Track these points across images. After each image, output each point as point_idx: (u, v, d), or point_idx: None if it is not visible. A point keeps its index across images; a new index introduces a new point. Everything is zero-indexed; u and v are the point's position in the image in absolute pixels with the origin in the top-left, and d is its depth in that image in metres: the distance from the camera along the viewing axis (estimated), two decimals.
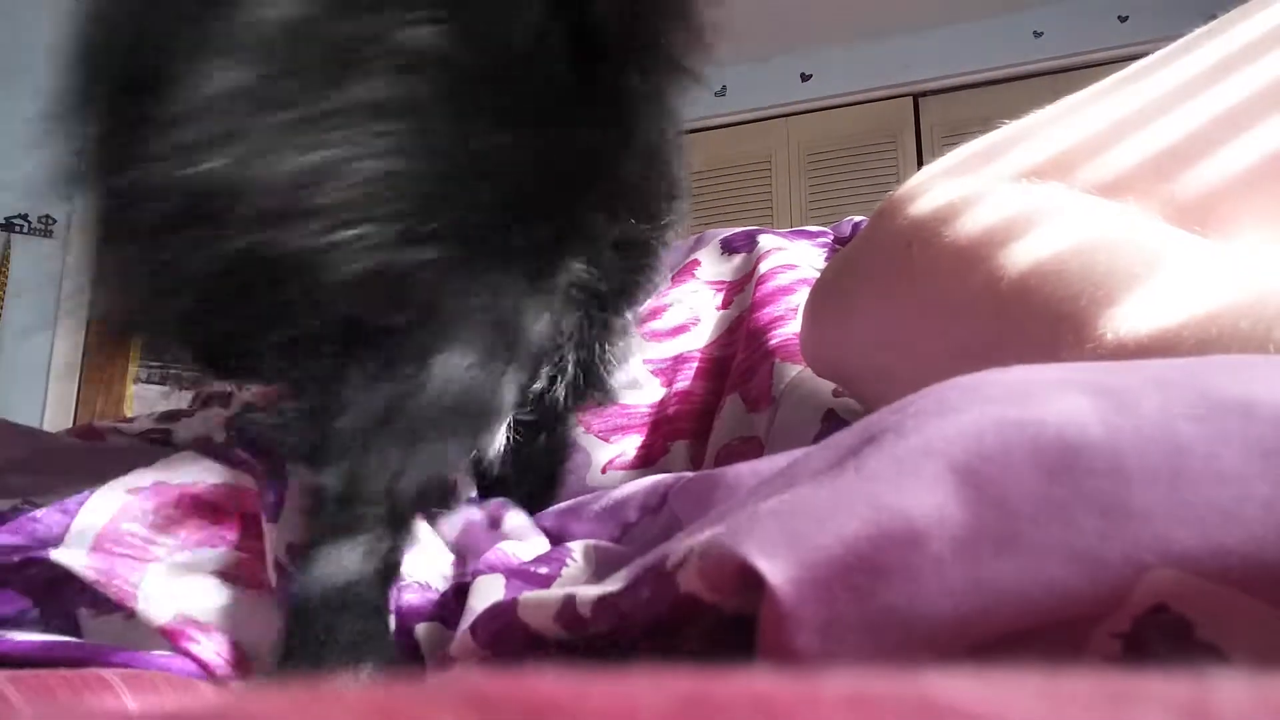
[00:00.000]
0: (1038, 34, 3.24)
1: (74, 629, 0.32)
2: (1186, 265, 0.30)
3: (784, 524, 0.16)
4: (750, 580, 0.16)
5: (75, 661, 0.28)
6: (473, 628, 0.25)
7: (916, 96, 3.40)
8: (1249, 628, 0.14)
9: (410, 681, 0.24)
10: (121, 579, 0.32)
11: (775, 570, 0.15)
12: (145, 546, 0.33)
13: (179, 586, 0.32)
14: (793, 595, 0.15)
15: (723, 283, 0.75)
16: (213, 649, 0.31)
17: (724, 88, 3.61)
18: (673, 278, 0.77)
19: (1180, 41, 0.38)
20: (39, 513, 0.33)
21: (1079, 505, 0.15)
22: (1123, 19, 3.13)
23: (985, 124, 0.41)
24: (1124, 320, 0.29)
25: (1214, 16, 0.37)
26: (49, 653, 0.28)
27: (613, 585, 0.20)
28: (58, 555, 0.32)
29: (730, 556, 0.16)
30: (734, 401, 0.58)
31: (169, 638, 0.31)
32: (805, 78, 3.53)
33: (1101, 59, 3.02)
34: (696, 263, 0.79)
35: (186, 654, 0.30)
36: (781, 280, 0.69)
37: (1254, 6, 0.37)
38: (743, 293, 0.71)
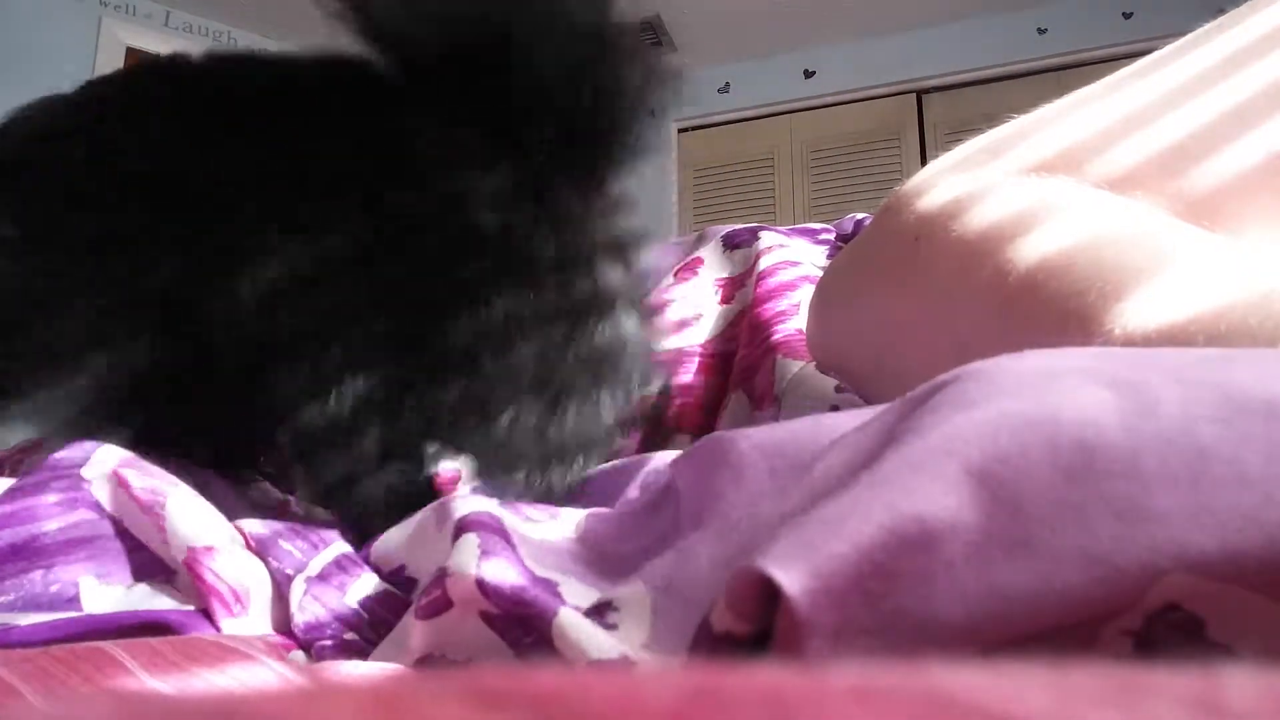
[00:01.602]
0: (1042, 31, 3.23)
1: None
2: (1195, 261, 0.30)
3: (800, 534, 0.16)
4: (770, 596, 0.15)
5: (82, 637, 0.28)
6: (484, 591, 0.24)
7: (920, 93, 3.39)
8: (1261, 627, 0.14)
9: (416, 676, 0.24)
10: (152, 477, 0.33)
11: (791, 579, 0.15)
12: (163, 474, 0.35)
13: (199, 517, 0.33)
14: (807, 603, 0.15)
15: (724, 278, 0.75)
16: (227, 581, 0.31)
17: (727, 84, 3.60)
18: (675, 274, 0.77)
19: (1189, 36, 0.38)
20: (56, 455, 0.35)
21: (1095, 509, 0.15)
22: (1127, 15, 3.13)
23: (989, 121, 0.41)
24: (1132, 315, 0.28)
25: (1220, 11, 0.37)
26: (55, 633, 0.29)
27: (649, 641, 0.20)
28: (88, 470, 0.34)
29: (749, 572, 0.16)
30: (739, 398, 0.58)
31: (190, 564, 0.32)
32: (809, 74, 3.52)
33: (1106, 55, 3.01)
34: (699, 260, 0.79)
35: (202, 582, 0.31)
36: (784, 276, 0.69)
37: (1263, 1, 0.37)
38: (744, 288, 0.72)
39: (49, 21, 3.00)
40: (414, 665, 0.26)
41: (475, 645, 0.25)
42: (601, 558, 0.30)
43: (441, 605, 0.25)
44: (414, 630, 0.26)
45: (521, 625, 0.24)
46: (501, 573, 0.24)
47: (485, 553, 0.25)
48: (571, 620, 0.22)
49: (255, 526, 0.34)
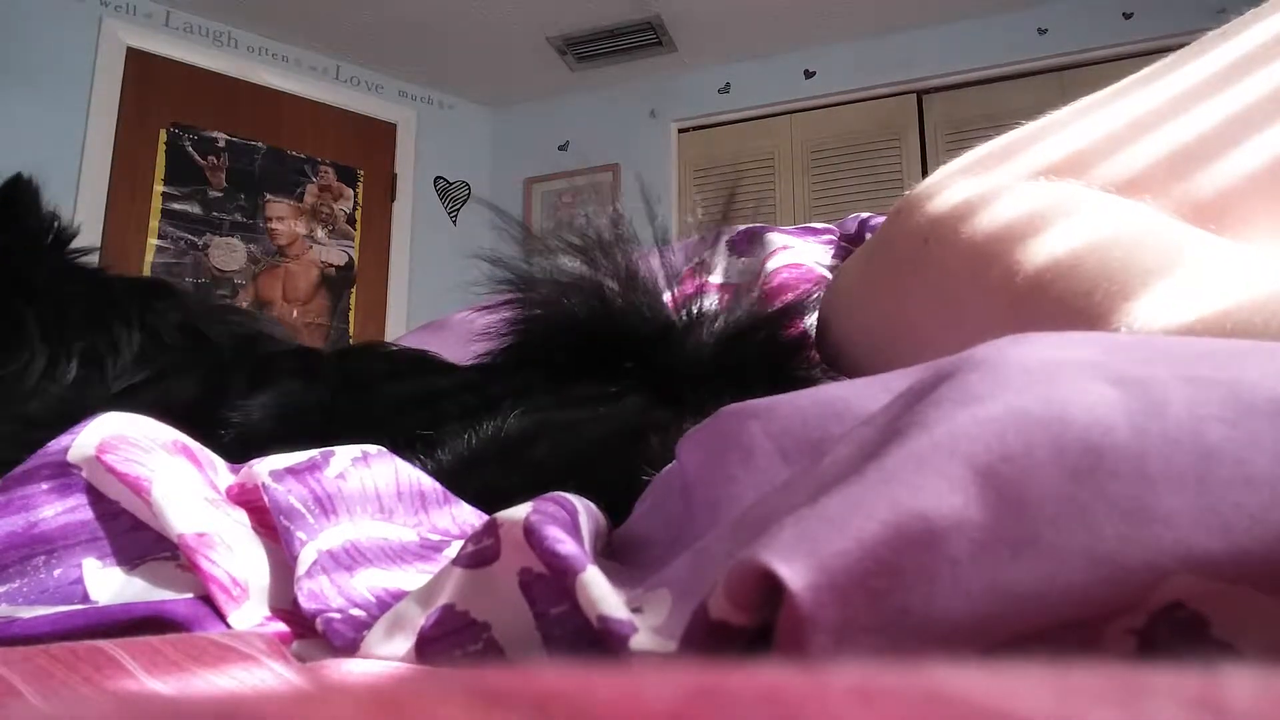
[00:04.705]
0: (1042, 31, 3.23)
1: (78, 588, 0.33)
2: (1202, 262, 0.30)
3: (803, 528, 0.16)
4: (772, 590, 0.15)
5: (86, 632, 0.28)
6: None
7: (920, 93, 3.39)
8: (1265, 626, 0.14)
9: (418, 675, 0.24)
10: (135, 462, 0.33)
11: (794, 575, 0.15)
12: (149, 451, 0.35)
13: (187, 503, 0.33)
14: (810, 600, 0.15)
15: (729, 285, 0.75)
16: (224, 568, 0.31)
17: (728, 85, 3.60)
18: (681, 280, 0.77)
19: (1195, 43, 0.38)
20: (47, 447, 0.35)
21: (1101, 508, 0.15)
22: (1127, 16, 3.12)
23: (989, 121, 0.41)
24: (1139, 315, 0.29)
25: (1220, 12, 0.37)
26: (57, 626, 0.29)
27: (661, 626, 0.20)
28: (74, 454, 0.34)
29: (751, 564, 0.16)
30: None
31: (185, 551, 0.32)
32: (809, 75, 3.52)
33: (1106, 56, 3.01)
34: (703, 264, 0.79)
35: (198, 570, 0.31)
36: (786, 278, 0.70)
37: (1267, 9, 0.37)
38: (749, 295, 0.72)
39: (49, 21, 3.00)
40: (433, 617, 0.27)
41: (502, 609, 0.26)
42: (625, 550, 0.30)
43: (490, 555, 0.26)
44: (450, 578, 0.27)
45: (553, 589, 0.24)
46: (547, 524, 0.24)
47: (537, 511, 0.26)
48: (595, 579, 0.22)
49: (277, 493, 0.34)
